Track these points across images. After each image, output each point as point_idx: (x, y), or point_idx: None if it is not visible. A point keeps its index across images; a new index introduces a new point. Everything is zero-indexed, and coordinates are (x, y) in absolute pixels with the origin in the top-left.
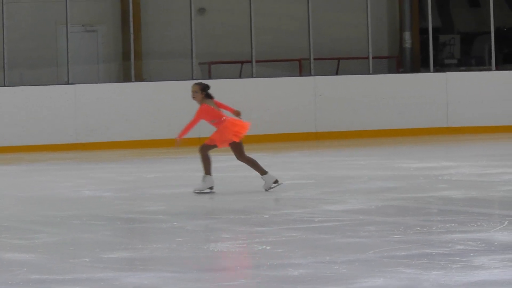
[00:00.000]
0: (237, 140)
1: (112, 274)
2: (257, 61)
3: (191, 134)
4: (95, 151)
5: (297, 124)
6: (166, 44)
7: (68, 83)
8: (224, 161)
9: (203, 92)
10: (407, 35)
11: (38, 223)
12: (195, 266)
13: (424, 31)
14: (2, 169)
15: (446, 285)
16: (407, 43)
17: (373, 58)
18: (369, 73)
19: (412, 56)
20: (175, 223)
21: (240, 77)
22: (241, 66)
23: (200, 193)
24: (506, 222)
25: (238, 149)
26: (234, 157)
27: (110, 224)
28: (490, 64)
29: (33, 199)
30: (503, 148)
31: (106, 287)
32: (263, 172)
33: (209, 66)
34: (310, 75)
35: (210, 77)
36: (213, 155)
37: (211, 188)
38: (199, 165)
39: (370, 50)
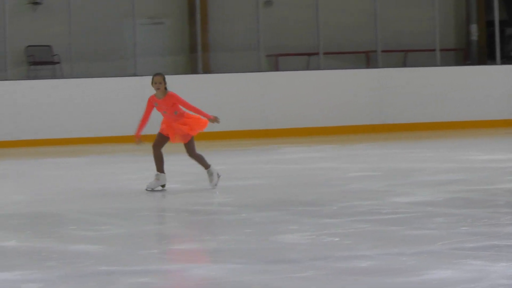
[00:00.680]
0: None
1: (180, 265)
2: (324, 53)
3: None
4: None
5: (364, 116)
6: (233, 37)
7: (135, 75)
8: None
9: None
10: (473, 28)
11: (105, 215)
12: (262, 258)
13: (491, 23)
14: (70, 161)
15: None
16: (474, 36)
17: (440, 50)
18: (436, 66)
19: (479, 48)
20: (243, 215)
21: (307, 69)
22: (308, 58)
23: (152, 190)
24: None
25: (191, 146)
26: (304, 149)
27: (177, 216)
28: None
29: (100, 191)
30: None
31: (174, 279)
32: (207, 166)
33: (276, 58)
34: (377, 67)
35: (277, 69)
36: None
37: (163, 186)
38: (267, 157)
39: (437, 42)
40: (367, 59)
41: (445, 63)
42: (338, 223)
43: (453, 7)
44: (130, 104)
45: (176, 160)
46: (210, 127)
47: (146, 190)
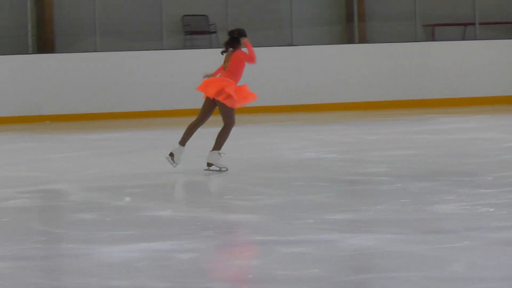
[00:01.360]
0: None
1: (335, 235)
2: (480, 23)
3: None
4: (317, 112)
5: None
6: (390, 6)
7: (292, 45)
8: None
9: None
10: None
11: (260, 185)
12: (418, 228)
13: None
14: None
15: None
16: None
17: None
18: None
19: None
20: (399, 185)
21: (463, 39)
22: (464, 28)
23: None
24: None
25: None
26: (459, 119)
27: (333, 186)
28: None
29: (255, 161)
30: None
31: (330, 249)
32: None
33: (433, 28)
34: None
35: (433, 39)
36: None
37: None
38: (421, 127)
39: None
40: None
41: None
42: (493, 194)
43: None
44: (286, 73)
45: (332, 129)
46: (363, 98)
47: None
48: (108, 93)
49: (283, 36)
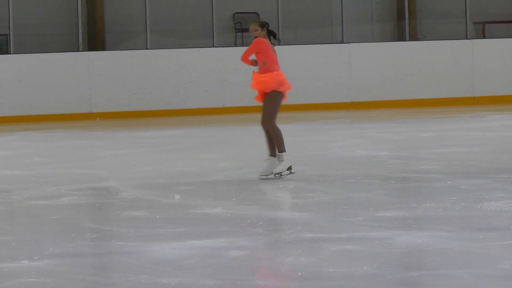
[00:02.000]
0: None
1: (386, 233)
2: None
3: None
4: (368, 110)
5: None
6: (440, 4)
7: (342, 42)
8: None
9: (264, 29)
10: None
11: (312, 182)
12: (468, 225)
13: None
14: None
15: None
16: None
17: None
18: None
19: None
20: (449, 182)
21: None
22: None
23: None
24: None
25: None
26: (506, 117)
27: (384, 183)
28: None
29: (308, 158)
30: None
31: (380, 246)
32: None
33: (483, 25)
34: None
35: (484, 37)
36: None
37: (289, 168)
38: (472, 125)
39: None
40: None
41: None
42: None
43: None
44: (338, 70)
45: (384, 127)
46: (418, 95)
47: (274, 175)
48: (159, 91)
49: (334, 34)
